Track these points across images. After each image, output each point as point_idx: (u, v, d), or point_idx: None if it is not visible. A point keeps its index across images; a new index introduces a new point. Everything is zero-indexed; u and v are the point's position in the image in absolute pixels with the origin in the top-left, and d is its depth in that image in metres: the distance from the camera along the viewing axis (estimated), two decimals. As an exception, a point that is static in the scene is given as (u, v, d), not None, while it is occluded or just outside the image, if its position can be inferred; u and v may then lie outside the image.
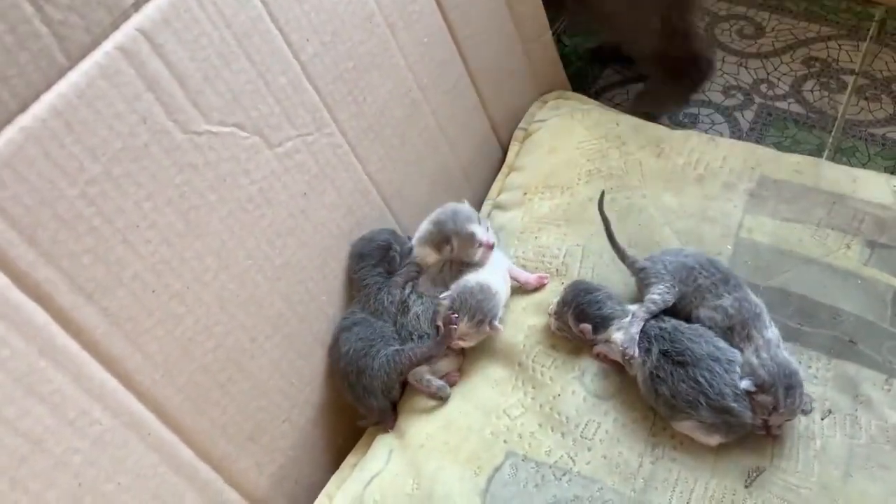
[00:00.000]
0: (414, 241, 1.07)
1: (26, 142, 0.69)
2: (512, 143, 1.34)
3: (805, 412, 0.89)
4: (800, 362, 0.94)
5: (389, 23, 1.08)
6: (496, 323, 0.98)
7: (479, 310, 0.96)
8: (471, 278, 0.99)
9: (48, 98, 0.70)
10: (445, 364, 1.01)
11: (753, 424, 0.86)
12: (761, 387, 0.84)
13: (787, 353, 0.91)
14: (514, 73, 1.37)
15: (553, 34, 1.45)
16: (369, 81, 1.06)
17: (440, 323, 0.98)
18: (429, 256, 1.05)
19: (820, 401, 0.91)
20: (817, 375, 0.94)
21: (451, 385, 1.00)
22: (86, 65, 0.73)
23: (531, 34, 1.37)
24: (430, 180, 1.20)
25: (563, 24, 1.97)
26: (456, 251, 1.02)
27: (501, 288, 1.01)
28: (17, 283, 0.69)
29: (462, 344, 0.99)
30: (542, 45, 1.40)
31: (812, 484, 0.85)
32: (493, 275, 1.01)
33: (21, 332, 0.69)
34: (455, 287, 0.99)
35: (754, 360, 0.86)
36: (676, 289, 0.93)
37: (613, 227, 1.08)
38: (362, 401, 0.99)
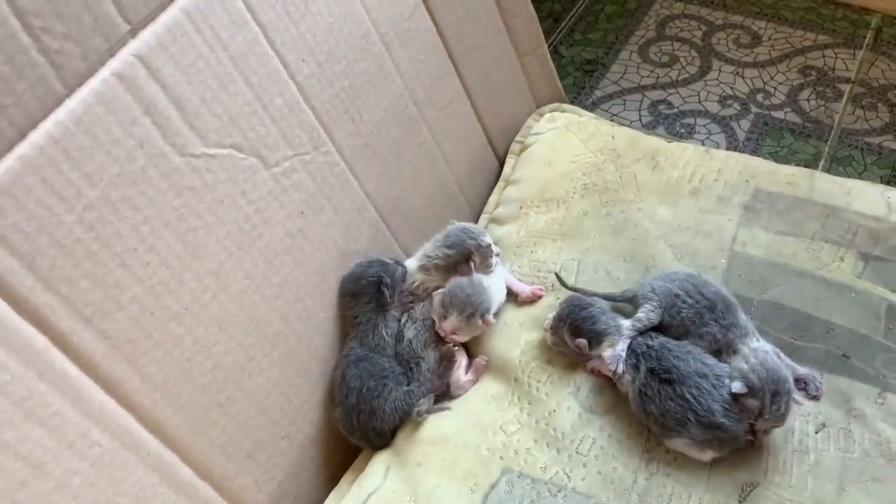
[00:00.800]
0: (414, 269, 1.06)
1: (24, 170, 0.70)
2: (508, 156, 1.35)
3: (816, 398, 0.91)
4: (794, 376, 0.95)
5: (385, 41, 1.09)
6: (488, 316, 0.99)
7: (469, 304, 0.98)
8: (463, 276, 1.02)
9: (46, 126, 0.71)
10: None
11: (745, 437, 0.86)
12: (751, 390, 0.85)
13: (782, 359, 0.93)
14: (510, 87, 1.38)
15: (549, 45, 1.47)
16: (365, 100, 1.07)
17: (434, 317, 1.01)
18: (432, 282, 1.05)
19: (813, 415, 0.92)
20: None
21: (480, 373, 1.02)
22: (83, 92, 0.74)
23: (526, 48, 1.38)
24: (426, 196, 1.21)
25: (559, 35, 1.98)
26: (478, 265, 1.03)
27: (494, 284, 1.03)
28: (16, 308, 0.70)
29: (456, 339, 1.01)
30: (538, 58, 1.41)
31: (806, 498, 0.85)
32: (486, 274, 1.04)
33: (20, 357, 0.70)
34: (448, 284, 1.01)
35: (744, 366, 0.87)
36: (661, 309, 0.95)
37: (608, 242, 1.10)
38: (370, 440, 1.00)
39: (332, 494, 0.98)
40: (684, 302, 0.94)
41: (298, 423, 0.99)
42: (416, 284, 1.05)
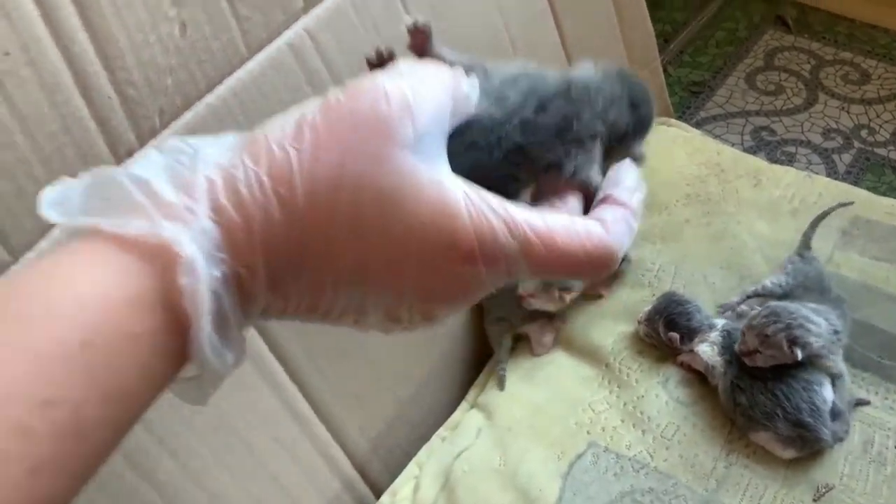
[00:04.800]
0: None
1: (209, 117, 0.80)
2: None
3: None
4: (876, 393, 0.99)
5: (513, 42, 1.17)
6: (565, 293, 1.04)
7: None
8: None
9: (229, 82, 0.82)
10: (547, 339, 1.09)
11: (829, 442, 0.91)
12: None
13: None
14: (621, 97, 1.45)
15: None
16: (490, 95, 1.15)
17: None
18: None
19: (894, 430, 0.95)
20: (893, 407, 0.98)
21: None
22: (261, 56, 0.84)
23: (641, 60, 1.44)
24: (534, 190, 1.28)
25: (668, 55, 2.03)
26: None
27: None
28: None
29: (533, 302, 1.05)
30: (651, 71, 1.47)
31: (879, 506, 0.89)
32: None
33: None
34: None
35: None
36: (789, 276, 1.04)
37: (707, 249, 1.15)
38: None
39: (424, 448, 1.05)
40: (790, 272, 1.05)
41: (402, 379, 1.07)
42: None
